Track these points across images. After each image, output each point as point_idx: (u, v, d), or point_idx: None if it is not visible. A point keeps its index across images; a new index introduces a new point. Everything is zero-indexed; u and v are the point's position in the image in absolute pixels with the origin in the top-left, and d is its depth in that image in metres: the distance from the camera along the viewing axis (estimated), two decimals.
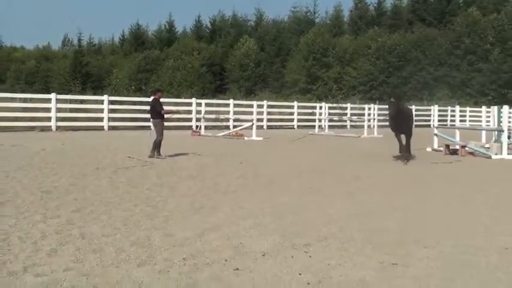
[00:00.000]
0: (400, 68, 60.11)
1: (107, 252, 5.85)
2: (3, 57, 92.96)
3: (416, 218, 7.99)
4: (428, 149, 19.24)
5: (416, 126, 40.41)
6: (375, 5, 78.24)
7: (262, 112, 31.87)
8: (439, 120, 24.93)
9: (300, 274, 5.24)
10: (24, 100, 26.57)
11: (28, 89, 65.69)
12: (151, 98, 16.01)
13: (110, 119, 25.59)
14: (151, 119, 15.72)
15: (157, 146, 14.88)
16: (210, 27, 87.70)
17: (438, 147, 19.10)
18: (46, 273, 5.10)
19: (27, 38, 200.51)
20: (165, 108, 15.41)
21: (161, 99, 16.00)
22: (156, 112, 15.13)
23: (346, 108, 38.16)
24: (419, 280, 5.13)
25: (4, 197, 8.67)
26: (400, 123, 15.89)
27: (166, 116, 15.62)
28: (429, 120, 41.69)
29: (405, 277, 5.22)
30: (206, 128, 25.67)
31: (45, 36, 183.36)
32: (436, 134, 19.60)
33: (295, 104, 35.90)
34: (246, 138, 22.81)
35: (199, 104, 28.79)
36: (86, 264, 5.42)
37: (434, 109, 21.97)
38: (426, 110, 42.87)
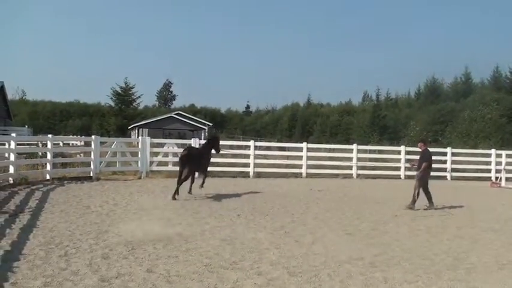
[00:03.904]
0: None
1: None
2: (312, 112, 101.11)
3: None
4: None
5: None
6: None
7: None
8: None
9: None
10: (329, 150, 28.17)
11: (332, 140, 70.00)
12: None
13: (406, 169, 25.36)
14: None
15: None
16: (510, 77, 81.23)
17: None
18: None
19: (332, 96, 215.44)
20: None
21: (430, 149, 14.95)
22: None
23: None
24: None
25: (314, 236, 9.21)
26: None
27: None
28: None
29: None
30: (507, 180, 23.44)
31: (347, 93, 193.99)
32: None
33: None
34: None
35: (499, 155, 26.59)
36: None
37: None
38: None
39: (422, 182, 13.83)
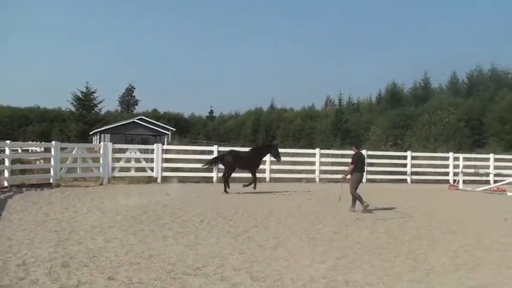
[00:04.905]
0: None
1: None
2: (275, 117, 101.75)
3: None
4: None
5: None
6: None
7: None
8: None
9: None
10: (293, 155, 28.33)
11: (295, 145, 70.54)
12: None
13: (368, 172, 25.69)
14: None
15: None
16: (466, 82, 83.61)
17: None
18: None
19: (295, 101, 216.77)
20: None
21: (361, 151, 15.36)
22: None
23: None
24: None
25: (277, 241, 9.25)
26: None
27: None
28: None
29: None
30: (464, 182, 24.09)
31: (310, 98, 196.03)
32: None
33: None
34: (509, 193, 20.67)
35: (456, 158, 27.29)
36: None
37: None
38: None
39: (354, 183, 14.01)
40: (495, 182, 24.60)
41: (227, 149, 22.48)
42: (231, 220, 11.62)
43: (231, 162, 18.28)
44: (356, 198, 13.88)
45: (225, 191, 17.67)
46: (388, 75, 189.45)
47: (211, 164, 19.20)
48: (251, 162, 18.70)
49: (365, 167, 14.65)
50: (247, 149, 20.50)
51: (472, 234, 10.71)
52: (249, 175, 19.35)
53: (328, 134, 77.50)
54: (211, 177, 22.48)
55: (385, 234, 10.37)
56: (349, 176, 14.27)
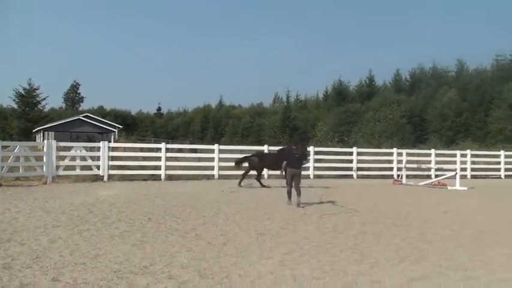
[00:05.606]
0: None
1: None
2: (223, 114, 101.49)
3: None
4: None
5: None
6: None
7: (466, 161, 29.81)
8: None
9: None
10: (241, 151, 28.37)
11: (243, 141, 70.70)
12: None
13: (315, 168, 26.08)
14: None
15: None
16: (409, 79, 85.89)
17: None
18: None
19: (243, 98, 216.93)
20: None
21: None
22: None
23: None
24: None
25: (225, 238, 9.24)
26: None
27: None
28: None
29: None
30: (407, 177, 24.78)
31: (258, 95, 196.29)
32: None
33: (502, 153, 32.68)
34: (449, 187, 21.45)
35: (400, 154, 28.05)
36: None
37: None
38: None
39: (287, 178, 14.76)
40: (436, 176, 25.44)
41: (176, 146, 22.37)
42: (179, 218, 11.53)
43: (256, 163, 19.70)
44: (288, 191, 14.61)
45: (261, 186, 19.42)
46: (334, 73, 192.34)
47: (239, 163, 20.57)
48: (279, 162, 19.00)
49: (299, 162, 14.90)
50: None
51: (414, 227, 11.03)
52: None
53: (276, 130, 78.10)
54: (159, 175, 22.24)
55: (331, 229, 10.53)
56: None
